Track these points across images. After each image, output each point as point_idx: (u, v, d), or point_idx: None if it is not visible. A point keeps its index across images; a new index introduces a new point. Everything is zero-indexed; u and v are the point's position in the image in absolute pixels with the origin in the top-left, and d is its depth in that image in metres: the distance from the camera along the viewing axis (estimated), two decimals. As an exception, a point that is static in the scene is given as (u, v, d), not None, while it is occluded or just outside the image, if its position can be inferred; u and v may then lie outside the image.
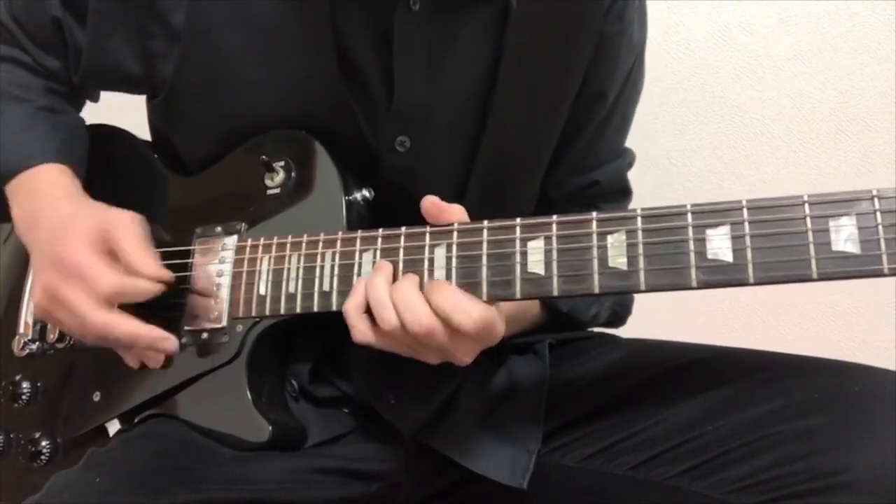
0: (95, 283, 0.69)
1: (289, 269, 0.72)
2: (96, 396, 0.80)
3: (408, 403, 0.78)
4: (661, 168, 1.38)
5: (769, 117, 1.34)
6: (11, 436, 0.84)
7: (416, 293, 0.63)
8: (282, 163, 0.77)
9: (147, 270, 0.71)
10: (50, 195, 0.78)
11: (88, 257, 0.70)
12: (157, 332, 0.72)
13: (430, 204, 0.67)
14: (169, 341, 0.72)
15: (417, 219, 0.69)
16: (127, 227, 0.74)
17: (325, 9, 0.74)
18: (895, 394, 0.62)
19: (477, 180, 0.80)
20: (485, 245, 0.65)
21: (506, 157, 0.81)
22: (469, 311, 0.62)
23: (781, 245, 0.56)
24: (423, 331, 0.62)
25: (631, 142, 0.94)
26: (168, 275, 0.73)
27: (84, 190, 0.81)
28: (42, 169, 0.79)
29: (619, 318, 0.90)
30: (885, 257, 0.53)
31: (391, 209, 0.77)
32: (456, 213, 0.67)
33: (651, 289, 0.59)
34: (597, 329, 0.90)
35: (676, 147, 1.38)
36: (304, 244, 0.72)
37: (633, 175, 0.95)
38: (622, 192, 0.93)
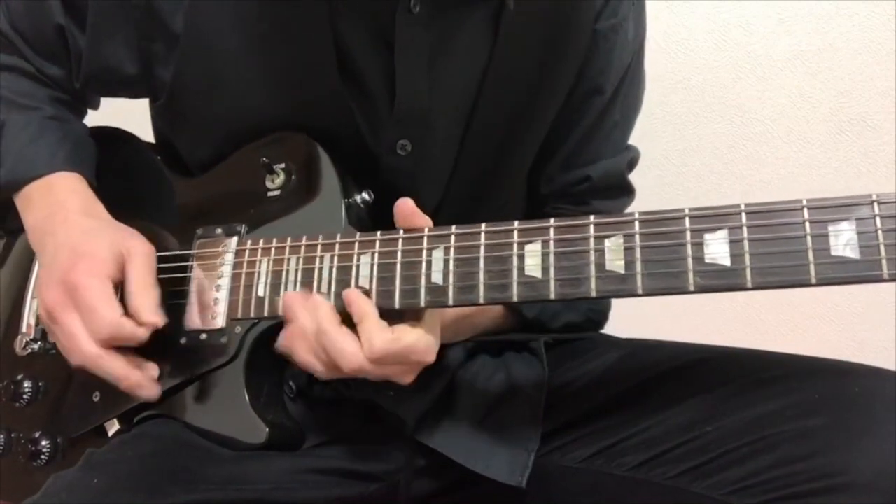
0: (95, 322, 0.69)
1: (287, 271, 0.72)
2: (96, 396, 0.80)
3: (406, 394, 0.78)
4: (660, 168, 1.38)
5: (769, 117, 1.34)
6: (12, 435, 0.84)
7: (339, 332, 0.66)
8: (282, 165, 0.77)
9: (144, 316, 0.70)
10: (68, 205, 0.77)
11: (97, 291, 0.70)
12: (139, 378, 0.72)
13: (407, 208, 0.68)
14: (149, 390, 0.72)
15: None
16: (141, 259, 0.73)
17: (324, 12, 0.74)
18: (895, 394, 0.62)
19: (460, 178, 0.81)
20: (482, 248, 0.65)
21: (487, 155, 0.82)
22: (373, 341, 0.64)
23: (780, 250, 0.55)
24: (352, 370, 0.65)
25: (630, 141, 0.94)
26: (161, 321, 0.72)
27: (95, 195, 0.81)
28: (56, 177, 0.79)
29: (595, 324, 0.90)
30: (884, 263, 0.53)
31: (390, 211, 0.77)
32: (427, 223, 0.69)
33: (648, 293, 0.59)
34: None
35: (676, 147, 1.37)
36: (302, 247, 0.72)
37: (632, 175, 0.94)
38: (619, 190, 0.92)
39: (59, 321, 0.71)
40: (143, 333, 0.71)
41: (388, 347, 0.64)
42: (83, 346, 0.70)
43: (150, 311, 0.71)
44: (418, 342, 0.66)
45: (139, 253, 0.74)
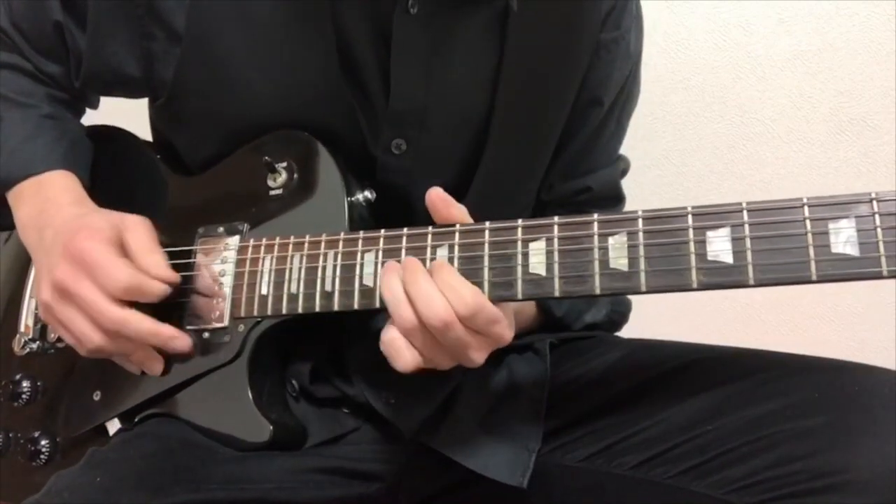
0: (110, 277, 0.69)
1: (291, 269, 0.72)
2: (96, 396, 0.80)
3: (407, 403, 0.78)
4: (660, 168, 1.38)
5: (769, 117, 1.34)
6: (11, 435, 0.84)
7: (432, 285, 0.62)
8: (284, 163, 0.77)
9: (156, 271, 0.71)
10: (59, 200, 0.77)
11: (104, 251, 0.70)
12: (172, 329, 0.72)
13: (438, 197, 0.66)
14: (181, 340, 0.72)
15: (415, 221, 0.69)
16: (138, 227, 0.73)
17: (326, 9, 0.74)
18: (895, 394, 0.63)
19: (477, 185, 0.81)
20: (486, 246, 0.65)
21: (507, 162, 0.82)
22: (463, 294, 0.61)
23: (781, 247, 0.56)
24: (442, 324, 0.61)
25: (631, 142, 0.94)
26: (176, 277, 0.72)
27: (87, 194, 0.81)
28: (49, 175, 0.79)
29: (615, 324, 0.91)
30: (883, 259, 0.53)
31: (389, 211, 0.77)
32: (461, 213, 0.67)
33: (652, 290, 0.59)
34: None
35: (676, 147, 1.38)
36: (306, 244, 0.72)
37: (632, 175, 0.95)
38: (615, 199, 0.94)
39: (73, 292, 0.70)
40: (158, 286, 0.70)
41: (479, 301, 0.62)
42: (107, 309, 0.69)
43: (160, 266, 0.71)
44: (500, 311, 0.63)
45: (136, 221, 0.74)
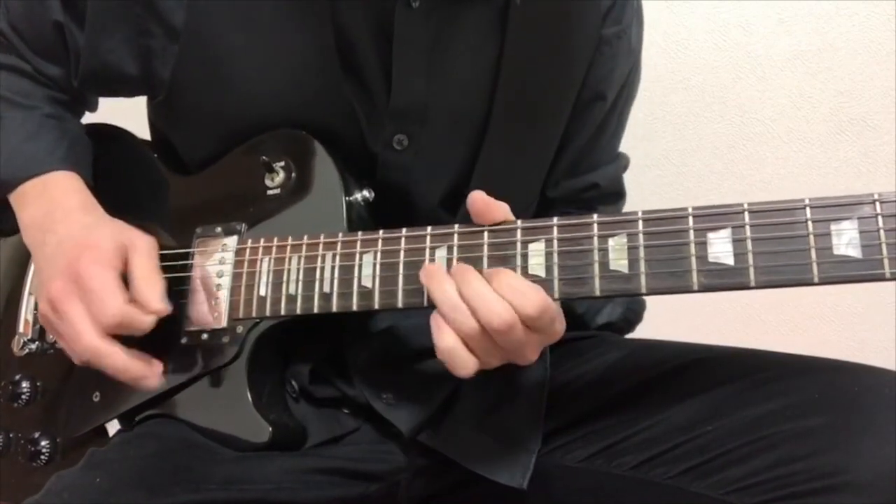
0: (101, 308, 0.68)
1: (289, 270, 0.72)
2: (96, 397, 0.80)
3: (407, 403, 0.78)
4: (660, 168, 1.38)
5: (769, 117, 1.34)
6: (11, 435, 0.84)
7: (487, 287, 0.61)
8: (282, 163, 0.77)
9: (153, 306, 0.70)
10: (66, 204, 0.77)
11: (104, 278, 0.69)
12: (141, 370, 0.70)
13: (481, 199, 0.65)
14: (151, 381, 0.71)
15: (414, 221, 0.69)
16: (144, 250, 0.73)
17: (325, 6, 0.74)
18: (895, 394, 0.62)
19: (478, 181, 0.80)
20: (485, 247, 0.64)
21: (509, 158, 0.82)
22: (529, 295, 0.60)
23: (783, 249, 0.56)
24: (504, 326, 0.60)
25: (631, 142, 0.95)
26: (168, 310, 0.71)
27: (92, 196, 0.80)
28: (53, 176, 0.79)
29: (630, 324, 0.91)
30: (886, 262, 0.53)
31: (389, 209, 0.77)
32: (504, 211, 0.66)
33: (652, 292, 0.59)
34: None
35: (676, 147, 1.38)
36: (304, 245, 0.72)
37: (632, 175, 0.96)
38: (617, 195, 0.95)
39: (63, 311, 0.70)
40: (148, 321, 0.70)
41: (545, 299, 0.60)
42: (85, 337, 0.69)
43: (156, 298, 0.70)
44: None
45: (142, 243, 0.73)
